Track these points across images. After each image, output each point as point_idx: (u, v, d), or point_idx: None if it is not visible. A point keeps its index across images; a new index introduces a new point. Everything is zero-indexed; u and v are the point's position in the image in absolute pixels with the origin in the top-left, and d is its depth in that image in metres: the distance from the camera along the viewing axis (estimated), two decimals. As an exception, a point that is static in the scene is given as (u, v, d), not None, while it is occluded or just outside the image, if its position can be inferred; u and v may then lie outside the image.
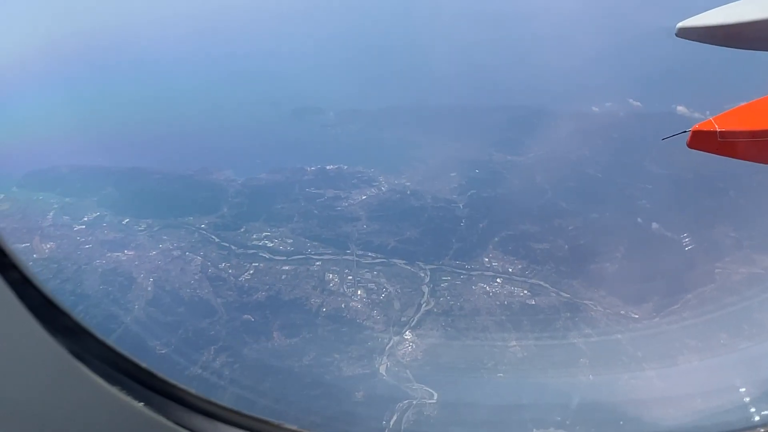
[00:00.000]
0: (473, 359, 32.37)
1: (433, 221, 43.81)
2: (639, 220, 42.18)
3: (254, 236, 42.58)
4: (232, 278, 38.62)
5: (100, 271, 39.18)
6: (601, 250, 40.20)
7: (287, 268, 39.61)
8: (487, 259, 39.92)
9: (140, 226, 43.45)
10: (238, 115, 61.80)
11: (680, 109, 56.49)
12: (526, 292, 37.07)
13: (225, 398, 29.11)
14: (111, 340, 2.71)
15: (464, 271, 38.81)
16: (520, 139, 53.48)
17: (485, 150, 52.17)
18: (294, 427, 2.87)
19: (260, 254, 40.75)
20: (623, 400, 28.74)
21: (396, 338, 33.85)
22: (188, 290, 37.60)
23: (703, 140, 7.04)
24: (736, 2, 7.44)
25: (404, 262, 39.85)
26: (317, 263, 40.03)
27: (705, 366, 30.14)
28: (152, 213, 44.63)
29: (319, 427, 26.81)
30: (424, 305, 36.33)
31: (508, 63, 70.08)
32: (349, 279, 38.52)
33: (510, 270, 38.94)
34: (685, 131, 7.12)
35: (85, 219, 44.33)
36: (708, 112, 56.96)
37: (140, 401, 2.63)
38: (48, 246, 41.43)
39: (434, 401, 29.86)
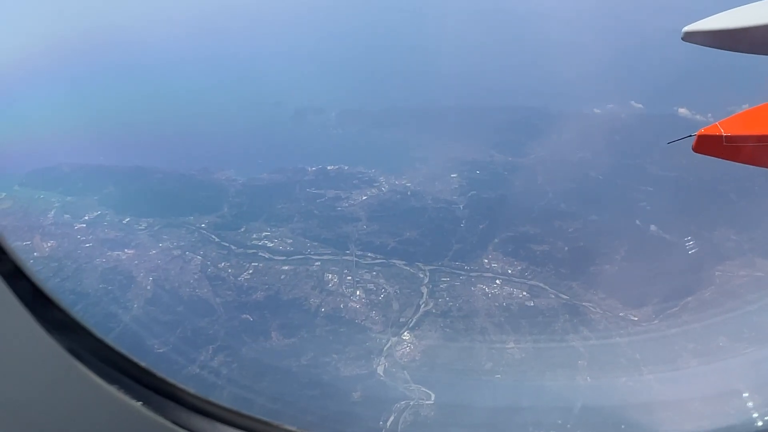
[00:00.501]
0: (471, 360, 32.35)
1: (433, 222, 43.82)
2: (637, 222, 42.14)
3: (254, 236, 42.65)
4: (231, 278, 38.69)
5: (100, 269, 39.27)
6: (601, 252, 40.14)
7: (287, 268, 39.67)
8: (486, 261, 39.90)
9: (141, 225, 43.54)
10: (239, 114, 61.70)
11: (682, 111, 56.39)
12: (525, 293, 37.05)
13: (223, 397, 29.18)
14: (109, 339, 2.71)
15: (464, 272, 38.82)
16: (521, 141, 53.43)
17: (486, 151, 52.13)
18: (293, 428, 2.86)
19: (260, 254, 40.82)
20: (623, 404, 28.70)
21: (394, 339, 33.86)
22: (187, 289, 37.67)
23: (708, 144, 7.05)
24: (743, 6, 7.44)
25: (404, 262, 39.86)
26: (317, 263, 40.07)
27: (703, 369, 30.08)
28: (153, 212, 44.72)
29: (316, 427, 26.84)
30: (422, 306, 36.32)
31: (510, 64, 69.98)
32: (348, 279, 38.56)
33: (509, 271, 38.91)
34: (690, 135, 7.12)
35: (86, 218, 44.45)
36: (710, 114, 56.96)
37: (138, 400, 2.62)
38: (49, 244, 41.55)
39: (431, 402, 29.89)
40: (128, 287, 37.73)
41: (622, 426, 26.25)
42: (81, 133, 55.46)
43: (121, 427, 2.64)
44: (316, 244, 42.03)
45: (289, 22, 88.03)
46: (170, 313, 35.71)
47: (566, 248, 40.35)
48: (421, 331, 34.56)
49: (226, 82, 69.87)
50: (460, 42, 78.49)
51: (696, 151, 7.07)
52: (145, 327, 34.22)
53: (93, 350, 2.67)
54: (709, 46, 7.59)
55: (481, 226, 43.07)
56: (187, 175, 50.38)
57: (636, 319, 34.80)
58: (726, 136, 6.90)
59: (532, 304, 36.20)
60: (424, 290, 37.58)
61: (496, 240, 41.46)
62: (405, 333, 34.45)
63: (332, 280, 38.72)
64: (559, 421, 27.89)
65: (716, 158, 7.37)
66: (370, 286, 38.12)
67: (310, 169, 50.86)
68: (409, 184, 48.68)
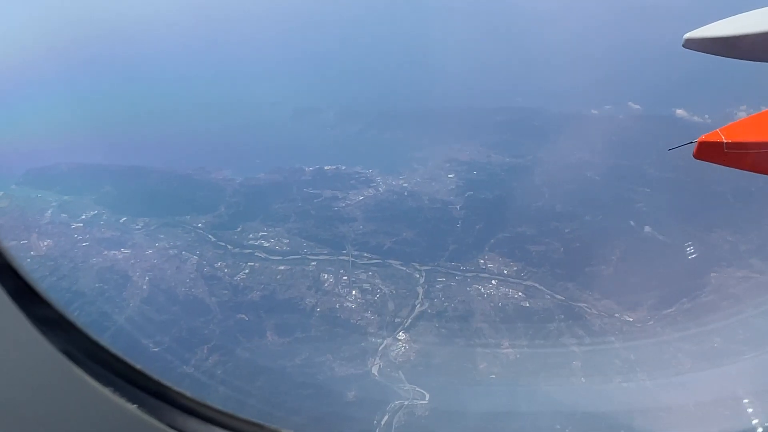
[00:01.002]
0: (466, 361, 32.33)
1: (429, 222, 43.81)
2: (632, 223, 42.13)
3: (251, 236, 42.64)
4: (227, 277, 38.68)
5: (97, 269, 39.27)
6: (597, 253, 40.11)
7: (283, 268, 39.66)
8: (482, 261, 39.88)
9: (137, 225, 43.55)
10: (237, 114, 61.80)
11: (680, 112, 56.37)
12: (520, 294, 37.03)
13: (216, 396, 29.20)
14: (104, 340, 2.68)
15: (459, 273, 38.80)
16: (519, 142, 53.43)
17: (484, 152, 52.13)
18: (288, 431, 2.85)
19: (256, 254, 40.81)
20: (616, 405, 28.69)
21: (389, 339, 33.84)
22: (183, 289, 37.66)
23: (709, 151, 7.05)
24: (744, 13, 7.45)
25: (400, 263, 39.85)
26: (313, 263, 40.06)
27: (695, 368, 30.07)
28: (150, 212, 44.72)
29: (310, 427, 26.85)
30: (418, 306, 36.30)
31: (508, 65, 70.01)
32: (344, 279, 38.57)
33: (505, 272, 38.89)
34: (691, 142, 7.13)
35: (83, 217, 44.46)
36: (707, 116, 56.96)
37: (133, 403, 2.59)
38: (45, 243, 41.55)
39: (426, 402, 29.91)
40: (124, 286, 37.72)
41: (616, 428, 26.25)
42: (78, 133, 55.51)
43: (116, 430, 2.61)
44: (312, 244, 42.02)
45: (287, 23, 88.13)
46: (166, 312, 35.69)
47: (562, 249, 40.33)
48: (417, 331, 34.54)
49: (224, 81, 69.95)
50: (458, 43, 78.56)
51: (697, 158, 7.08)
52: (140, 326, 34.20)
53: (88, 352, 2.65)
54: (710, 53, 7.60)
55: (477, 227, 43.06)
56: (184, 174, 50.40)
57: (631, 320, 34.77)
58: (727, 143, 6.91)
59: (527, 305, 36.17)
60: (420, 290, 37.56)
61: (492, 240, 41.44)
62: (400, 333, 34.44)
63: (328, 280, 38.71)
64: (556, 426, 27.88)
65: (716, 164, 7.39)
66: (366, 286, 38.12)
67: (307, 169, 50.86)
68: (406, 185, 48.68)
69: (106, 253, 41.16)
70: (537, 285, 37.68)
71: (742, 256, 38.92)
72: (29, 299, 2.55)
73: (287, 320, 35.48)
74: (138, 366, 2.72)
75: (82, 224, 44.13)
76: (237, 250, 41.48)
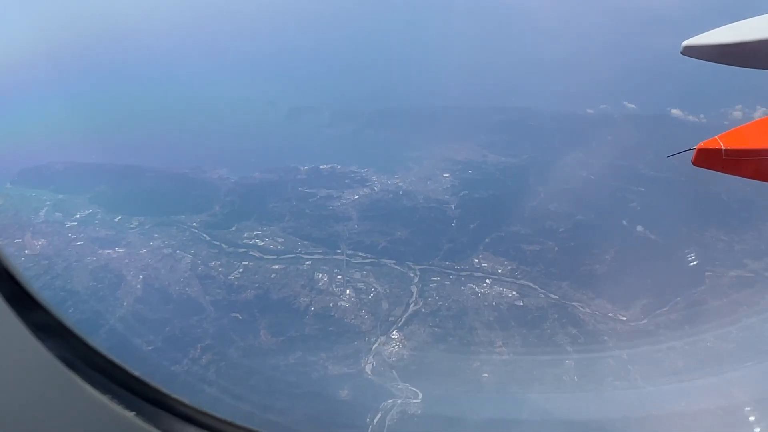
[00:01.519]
0: (459, 360, 32.34)
1: (424, 222, 43.81)
2: (625, 222, 42.18)
3: (245, 235, 42.62)
4: (221, 276, 38.65)
5: (91, 267, 39.21)
6: (591, 252, 40.14)
7: (277, 267, 39.63)
8: (477, 260, 39.89)
9: (132, 224, 43.50)
10: (233, 114, 61.75)
11: (675, 111, 56.46)
12: (514, 293, 37.03)
13: (210, 395, 29.19)
14: (102, 347, 2.67)
15: (454, 272, 38.81)
16: (514, 141, 53.45)
17: (479, 151, 52.14)
18: None
19: (250, 253, 40.79)
20: (609, 403, 28.74)
21: (383, 338, 33.83)
22: (177, 288, 37.62)
23: (708, 158, 7.05)
24: (743, 21, 7.45)
25: (394, 262, 39.84)
26: (307, 262, 40.03)
27: (689, 368, 30.13)
28: (145, 211, 44.68)
29: (303, 425, 26.83)
30: (412, 305, 36.29)
31: (504, 64, 70.06)
32: (339, 278, 38.55)
33: (499, 271, 38.90)
34: (690, 149, 7.13)
35: (78, 216, 44.41)
36: (702, 116, 57.07)
37: (131, 410, 2.57)
38: (39, 242, 41.49)
39: (418, 401, 29.93)
40: (118, 285, 37.66)
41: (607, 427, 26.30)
42: (73, 132, 55.46)
43: None
44: (307, 243, 41.99)
45: (283, 23, 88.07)
46: (160, 311, 35.65)
47: (556, 248, 40.35)
48: (410, 330, 34.52)
49: (220, 81, 69.90)
50: (454, 43, 78.59)
51: (695, 165, 7.08)
52: (134, 325, 34.16)
53: (85, 359, 2.63)
54: (709, 61, 7.60)
55: (472, 226, 43.06)
56: (179, 173, 50.36)
57: (624, 319, 34.81)
58: (725, 150, 6.91)
59: (521, 304, 36.18)
60: (414, 289, 37.55)
61: (486, 240, 41.44)
62: (394, 332, 34.40)
63: (322, 279, 38.68)
64: (547, 428, 27.89)
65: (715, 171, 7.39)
66: (360, 285, 38.11)
67: (302, 168, 50.84)
68: (401, 184, 48.68)
69: (100, 252, 41.10)
70: (531, 284, 37.68)
71: (736, 255, 38.97)
72: (27, 305, 2.54)
73: (281, 319, 35.43)
74: (136, 373, 2.71)
75: (76, 223, 44.08)
76: (231, 249, 41.45)
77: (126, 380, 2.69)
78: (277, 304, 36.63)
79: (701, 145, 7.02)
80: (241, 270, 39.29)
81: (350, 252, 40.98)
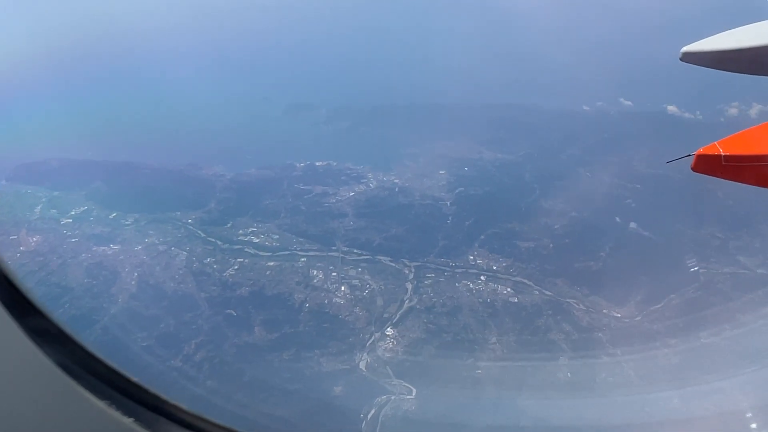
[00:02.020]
0: (453, 356, 32.37)
1: (419, 218, 43.81)
2: (617, 219, 42.20)
3: (240, 232, 42.61)
4: (216, 273, 38.64)
5: (86, 264, 39.20)
6: (586, 249, 40.15)
7: (272, 264, 39.64)
8: (472, 257, 39.90)
9: (127, 221, 43.48)
10: (229, 110, 61.70)
11: (671, 108, 56.45)
12: (509, 289, 37.05)
13: (204, 391, 29.22)
14: (101, 354, 2.64)
15: (449, 269, 38.83)
16: (510, 138, 53.41)
17: (475, 148, 52.10)
18: None
19: (246, 250, 40.80)
20: (601, 398, 28.81)
21: (377, 334, 33.89)
22: (172, 284, 37.62)
23: (707, 164, 7.04)
24: (743, 27, 7.42)
25: (389, 259, 39.86)
26: (302, 259, 40.05)
27: (683, 363, 30.19)
28: (140, 207, 44.65)
29: (296, 421, 26.88)
30: (407, 302, 36.33)
31: (501, 61, 69.98)
32: (334, 275, 38.55)
33: (494, 268, 38.92)
34: (689, 155, 7.12)
35: (73, 213, 44.39)
36: (698, 112, 57.08)
37: (130, 416, 2.56)
38: (35, 239, 41.48)
39: (412, 397, 29.98)
40: (113, 282, 37.66)
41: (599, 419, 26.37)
42: (69, 129, 55.45)
43: None
44: (302, 240, 41.99)
45: (280, 19, 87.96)
46: (154, 308, 35.65)
47: (551, 245, 40.36)
48: (405, 327, 34.55)
49: (217, 77, 69.78)
50: (450, 40, 78.51)
51: (695, 171, 7.05)
52: (129, 322, 34.19)
53: (84, 365, 2.62)
54: (708, 67, 7.57)
55: (467, 223, 43.07)
56: (174, 170, 50.34)
57: (619, 315, 34.85)
58: (725, 156, 6.89)
59: (516, 301, 36.20)
60: (409, 286, 37.56)
61: (482, 236, 41.45)
62: (388, 328, 34.49)
63: (317, 276, 38.69)
64: (537, 420, 27.94)
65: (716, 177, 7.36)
66: (355, 282, 38.11)
67: (298, 165, 50.78)
68: (397, 181, 48.65)
69: (95, 248, 41.09)
70: (526, 281, 37.70)
71: (731, 252, 39.01)
72: (25, 311, 2.51)
73: (276, 316, 35.45)
74: (134, 379, 2.69)
75: (71, 220, 44.05)
76: (227, 246, 41.45)
77: (124, 386, 2.68)
78: (272, 301, 36.62)
79: (700, 151, 7.00)
80: (236, 267, 39.27)
81: (345, 249, 40.97)
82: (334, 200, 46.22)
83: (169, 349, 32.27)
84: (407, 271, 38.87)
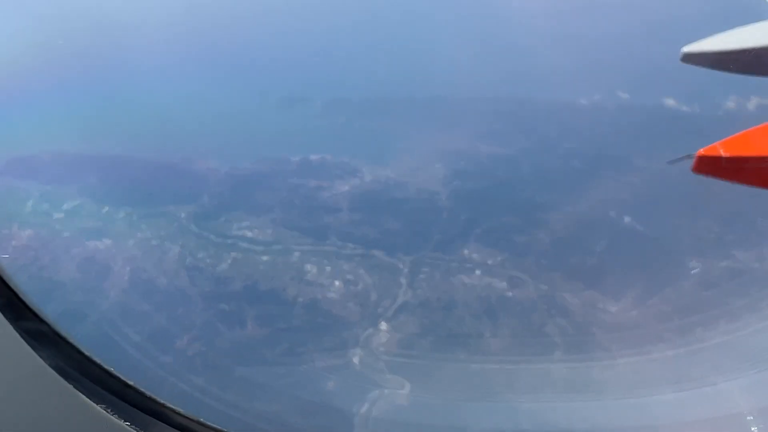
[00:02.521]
0: (447, 350, 32.09)
1: (414, 213, 43.22)
2: (615, 214, 41.90)
3: (234, 226, 41.84)
4: (209, 268, 38.14)
5: (78, 259, 38.76)
6: (582, 243, 39.75)
7: (266, 258, 39.10)
8: (467, 251, 39.29)
9: (120, 215, 42.99)
10: (222, 103, 61.22)
11: (669, 102, 56.14)
12: (504, 284, 36.71)
13: (195, 386, 28.91)
14: (98, 357, 2.32)
15: (443, 263, 38.24)
16: (506, 131, 52.85)
17: (471, 141, 51.39)
18: None
19: (239, 244, 40.23)
20: (593, 393, 28.60)
21: (371, 329, 33.58)
22: (165, 279, 36.95)
23: (708, 165, 6.65)
24: (746, 27, 7.09)
25: (384, 253, 39.33)
26: (296, 254, 39.53)
27: (676, 358, 30.00)
28: (132, 201, 43.79)
29: (287, 415, 26.58)
30: (401, 296, 36.03)
31: (497, 53, 69.46)
32: (328, 270, 38.13)
33: (489, 262, 38.32)
34: (689, 156, 6.75)
35: (65, 207, 43.74)
36: (696, 105, 56.84)
37: (126, 421, 2.24)
38: (26, 233, 40.95)
39: (406, 392, 29.72)
40: (105, 277, 37.24)
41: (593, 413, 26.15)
42: (60, 122, 54.91)
43: None
44: (296, 234, 41.33)
45: (272, 8, 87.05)
46: (147, 302, 35.26)
47: (547, 239, 39.94)
48: (399, 321, 34.12)
49: (210, 69, 69.15)
50: (446, 31, 77.90)
51: (695, 172, 6.69)
52: (120, 317, 33.86)
53: (80, 368, 2.29)
54: (709, 68, 7.23)
55: (462, 217, 42.46)
56: (167, 164, 49.65)
57: (614, 310, 34.62)
58: (726, 157, 6.54)
59: (510, 295, 35.76)
60: (403, 281, 37.01)
61: (477, 231, 40.85)
62: (382, 323, 34.17)
63: (311, 270, 38.18)
64: (530, 414, 27.72)
65: (717, 177, 7.03)
66: (349, 276, 37.42)
67: (292, 158, 49.97)
68: (392, 175, 47.66)
69: (87, 243, 40.68)
70: (521, 275, 37.32)
71: (727, 246, 38.78)
72: (19, 312, 2.20)
73: (269, 310, 34.92)
74: (131, 382, 2.35)
75: (63, 214, 43.37)
76: (220, 240, 40.98)
77: (120, 389, 2.34)
78: (266, 296, 36.12)
79: (701, 152, 6.64)
80: (229, 261, 38.75)
81: (340, 243, 40.53)
82: (329, 194, 45.23)
83: (160, 343, 31.93)
84: (402, 266, 38.18)
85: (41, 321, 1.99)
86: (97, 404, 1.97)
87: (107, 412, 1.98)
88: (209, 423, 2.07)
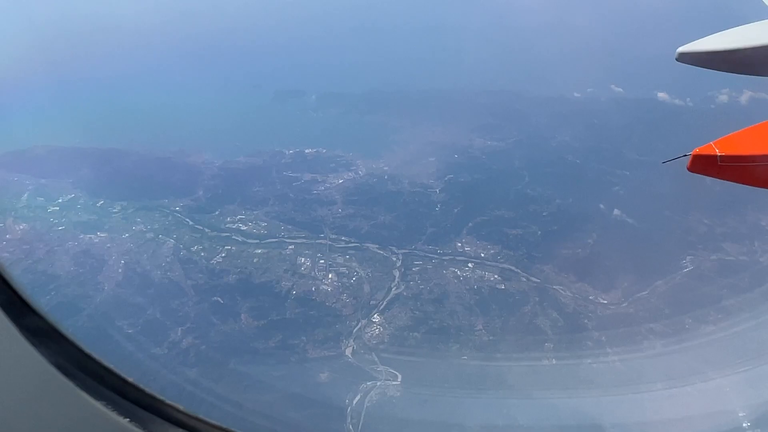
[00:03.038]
0: (439, 342, 32.53)
1: (408, 206, 43.76)
2: (608, 207, 42.35)
3: (228, 219, 42.44)
4: (203, 261, 38.53)
5: (72, 252, 39.01)
6: (573, 236, 40.28)
7: (260, 251, 39.53)
8: (459, 244, 39.97)
9: (115, 208, 43.23)
10: (218, 97, 61.26)
11: (661, 95, 56.51)
12: (496, 276, 37.18)
13: (189, 378, 29.26)
14: (97, 354, 2.61)
15: (436, 256, 38.86)
16: (500, 125, 53.32)
17: (465, 135, 51.98)
18: None
19: (233, 237, 40.64)
20: (585, 386, 29.06)
21: (364, 321, 33.98)
22: (159, 272, 37.48)
23: (703, 164, 7.03)
24: (738, 27, 7.41)
25: (377, 246, 39.84)
26: (290, 247, 39.98)
27: (667, 352, 30.47)
28: (127, 195, 44.38)
29: (281, 406, 26.99)
30: (394, 289, 36.39)
31: (492, 47, 69.79)
32: (321, 263, 38.51)
33: (482, 255, 39.01)
34: (685, 155, 7.11)
35: (60, 200, 44.09)
36: (688, 99, 57.18)
37: (125, 417, 2.54)
38: (21, 227, 41.20)
39: (398, 383, 30.13)
40: (100, 270, 37.51)
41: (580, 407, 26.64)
42: (56, 116, 54.93)
43: None
44: (290, 227, 41.90)
45: (270, 5, 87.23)
46: (141, 295, 35.57)
47: (539, 232, 40.47)
48: (392, 313, 34.63)
49: (206, 64, 69.25)
50: (441, 26, 78.18)
51: (691, 171, 7.05)
52: (115, 309, 34.09)
53: (79, 364, 2.59)
54: (703, 67, 7.57)
55: (456, 210, 43.08)
56: (163, 157, 50.00)
57: (605, 302, 35.07)
58: (721, 156, 6.88)
59: (503, 287, 36.33)
60: (396, 273, 37.58)
61: (470, 224, 41.50)
62: (375, 315, 34.58)
63: (305, 263, 38.63)
64: (524, 408, 28.16)
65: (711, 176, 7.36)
66: (343, 269, 38.09)
67: (287, 152, 50.54)
68: (386, 168, 48.51)
69: (82, 236, 40.88)
70: (513, 268, 37.81)
71: (717, 239, 39.25)
72: (20, 310, 2.48)
73: (263, 303, 35.42)
74: (130, 379, 2.67)
75: (58, 208, 43.75)
76: (214, 233, 41.31)
77: (120, 386, 2.66)
78: (259, 288, 36.57)
79: (696, 151, 6.99)
80: (223, 254, 39.16)
81: (333, 236, 40.91)
82: (323, 187, 46.05)
83: (155, 336, 32.24)
84: (395, 259, 38.89)
85: (41, 319, 2.35)
86: (96, 400, 2.33)
87: (107, 408, 2.34)
88: (206, 419, 2.45)
